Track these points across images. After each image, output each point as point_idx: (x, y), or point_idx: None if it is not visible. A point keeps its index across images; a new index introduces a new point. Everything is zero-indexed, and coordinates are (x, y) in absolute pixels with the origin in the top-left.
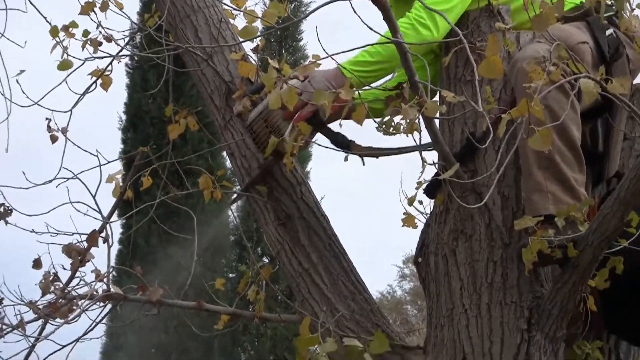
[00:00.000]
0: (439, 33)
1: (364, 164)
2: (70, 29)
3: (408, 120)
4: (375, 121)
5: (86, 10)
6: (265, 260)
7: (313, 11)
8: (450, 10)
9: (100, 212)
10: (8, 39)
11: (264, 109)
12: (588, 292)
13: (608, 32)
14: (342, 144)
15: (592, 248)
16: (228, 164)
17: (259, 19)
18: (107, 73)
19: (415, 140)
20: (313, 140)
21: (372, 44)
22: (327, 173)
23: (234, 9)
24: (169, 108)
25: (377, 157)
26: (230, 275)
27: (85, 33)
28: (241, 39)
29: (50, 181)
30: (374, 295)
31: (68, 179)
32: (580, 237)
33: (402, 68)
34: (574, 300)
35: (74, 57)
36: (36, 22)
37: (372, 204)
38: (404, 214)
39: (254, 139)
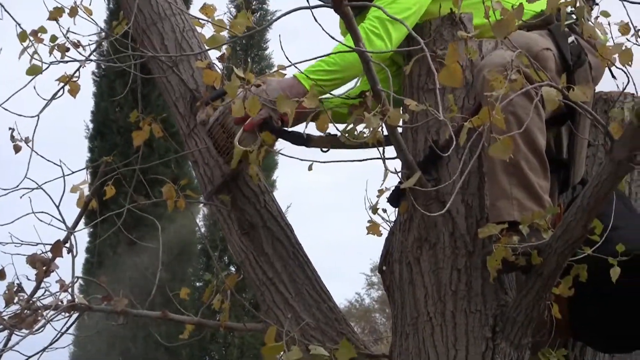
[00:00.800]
0: (392, 43)
1: (325, 151)
2: (39, 34)
3: (371, 129)
4: (337, 129)
5: (55, 15)
6: (232, 269)
7: (276, 19)
8: (405, 20)
9: (64, 222)
10: None
11: (220, 114)
12: (553, 300)
13: (570, 39)
14: (299, 140)
15: (556, 256)
16: (194, 172)
17: (226, 29)
18: (74, 79)
19: (378, 150)
20: (275, 148)
21: (334, 53)
22: (293, 182)
23: (202, 19)
24: (133, 114)
25: (336, 148)
26: (197, 284)
27: (53, 38)
28: (207, 48)
29: (14, 190)
30: (342, 303)
31: (32, 189)
32: (544, 244)
33: (364, 76)
34: (538, 308)
35: (42, 62)
36: (11, 28)
37: (340, 211)
38: (369, 222)
39: (213, 144)
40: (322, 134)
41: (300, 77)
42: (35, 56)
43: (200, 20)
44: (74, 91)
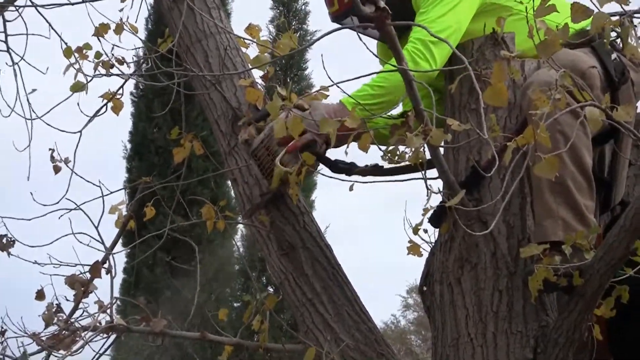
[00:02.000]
0: (437, 64)
1: (351, 190)
2: (84, 51)
3: (413, 149)
4: (380, 149)
5: (100, 32)
6: (270, 289)
7: (319, 39)
8: (447, 39)
9: (103, 243)
10: (29, 64)
11: (265, 136)
12: (594, 321)
13: (612, 56)
14: (343, 169)
15: (598, 276)
16: (232, 192)
17: (271, 49)
18: (118, 96)
19: (420, 170)
20: (316, 169)
21: (377, 72)
22: (332, 202)
23: (247, 39)
24: (174, 131)
25: (379, 175)
26: (235, 304)
27: (98, 55)
28: (251, 67)
29: (53, 211)
30: (378, 325)
31: (70, 209)
32: (587, 265)
33: (407, 97)
34: (580, 329)
35: (86, 75)
36: (56, 43)
37: (377, 232)
38: (409, 242)
39: (258, 165)
40: (365, 166)
41: (346, 101)
42: (80, 73)
43: (245, 40)
44: (117, 108)
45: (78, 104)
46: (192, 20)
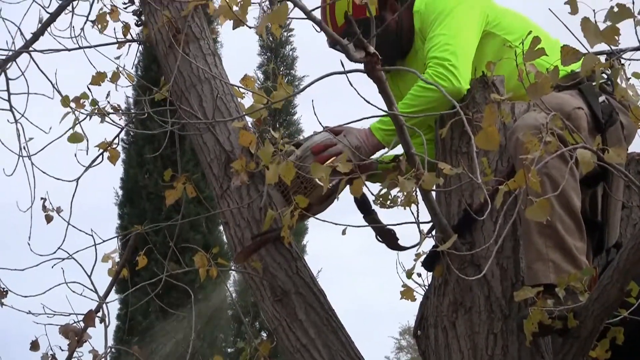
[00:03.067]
0: (463, 84)
1: (344, 234)
2: (81, 100)
3: (405, 193)
4: (372, 194)
5: (97, 80)
6: (264, 334)
7: (310, 84)
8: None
9: (96, 292)
10: (32, 123)
11: (296, 158)
12: None
13: (601, 98)
14: (365, 206)
15: (593, 318)
16: (225, 238)
17: (266, 98)
18: (114, 145)
19: (412, 213)
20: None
21: (368, 117)
22: (324, 244)
23: (243, 88)
24: (167, 172)
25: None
26: (229, 350)
27: (94, 102)
28: (244, 113)
29: (46, 261)
30: None
31: (63, 259)
32: (581, 307)
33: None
34: None
35: (80, 120)
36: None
37: (369, 275)
38: (403, 286)
39: (282, 192)
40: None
41: (373, 128)
42: (77, 122)
43: (240, 90)
44: (113, 158)
45: (75, 155)
46: (187, 66)
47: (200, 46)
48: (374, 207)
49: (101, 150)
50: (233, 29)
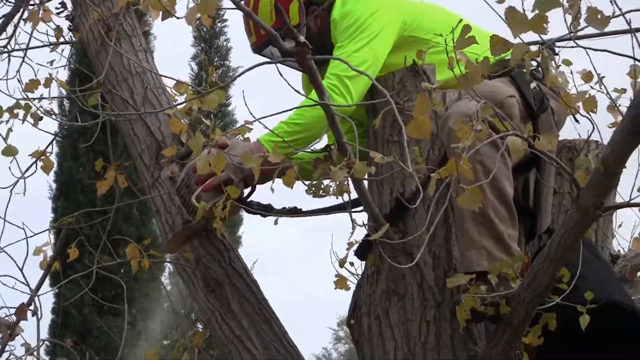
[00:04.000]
0: (353, 98)
1: (276, 224)
2: (14, 110)
3: (337, 182)
4: (304, 183)
5: (31, 87)
6: (200, 326)
7: (240, 74)
8: (361, 76)
9: (28, 285)
10: None
11: (185, 175)
12: (522, 349)
13: (532, 85)
14: (258, 211)
15: (525, 305)
16: (158, 230)
17: (199, 100)
18: (47, 154)
19: (344, 202)
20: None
21: (299, 107)
22: (260, 236)
23: (173, 79)
24: (98, 162)
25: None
26: (165, 342)
27: (27, 107)
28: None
29: None
30: (309, 358)
31: None
32: (513, 294)
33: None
34: (508, 358)
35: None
36: None
37: (306, 266)
38: (336, 276)
39: (182, 203)
40: (282, 208)
41: (263, 140)
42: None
43: (174, 94)
44: (47, 168)
45: (10, 168)
46: (119, 61)
47: (132, 43)
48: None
49: (34, 159)
50: (162, 19)
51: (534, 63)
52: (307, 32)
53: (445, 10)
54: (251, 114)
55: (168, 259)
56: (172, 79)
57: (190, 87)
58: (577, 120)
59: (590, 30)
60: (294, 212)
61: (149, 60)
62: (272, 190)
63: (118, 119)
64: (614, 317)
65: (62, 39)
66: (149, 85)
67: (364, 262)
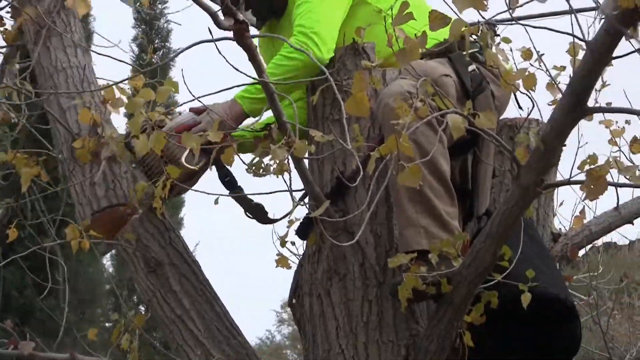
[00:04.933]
0: (324, 53)
1: (216, 203)
2: None
3: (277, 161)
4: (244, 162)
5: None
6: (142, 308)
7: (178, 53)
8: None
9: None
10: None
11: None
12: (465, 328)
13: (470, 67)
14: (231, 183)
15: (467, 283)
16: None
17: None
18: None
19: (285, 181)
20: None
21: (238, 85)
22: (200, 219)
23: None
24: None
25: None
26: (107, 324)
27: None
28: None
29: None
30: (253, 340)
31: None
32: (454, 272)
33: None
34: (450, 337)
35: None
36: None
37: (248, 249)
38: (277, 254)
39: (146, 172)
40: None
41: (237, 97)
42: None
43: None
44: None
45: None
46: (47, 58)
47: (62, 39)
48: (239, 183)
49: None
50: None
51: (475, 45)
52: None
53: None
54: (190, 92)
55: (109, 240)
56: (112, 57)
57: (131, 66)
58: (520, 107)
59: (531, 11)
60: (259, 210)
61: (79, 54)
62: (210, 169)
63: (46, 113)
64: (542, 305)
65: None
66: (73, 79)
67: (305, 242)
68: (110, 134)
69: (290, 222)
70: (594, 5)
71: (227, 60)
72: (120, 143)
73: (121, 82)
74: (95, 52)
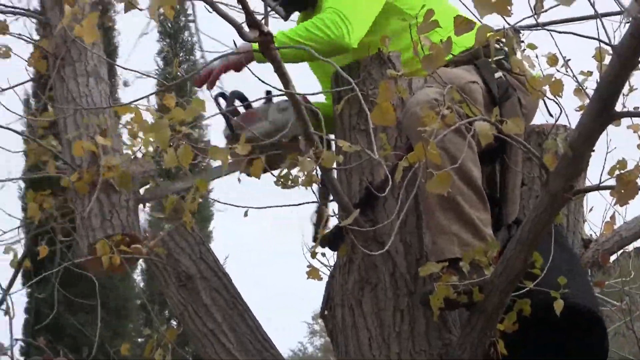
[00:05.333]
0: (352, 40)
1: (245, 216)
2: None
3: (306, 173)
4: (273, 174)
5: None
6: (173, 323)
7: (202, 68)
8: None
9: None
10: None
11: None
12: (498, 336)
13: (497, 74)
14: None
15: (498, 292)
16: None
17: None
18: None
19: (314, 193)
20: (210, 197)
21: (262, 98)
22: (229, 231)
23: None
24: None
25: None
26: (139, 339)
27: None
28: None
29: None
30: (286, 352)
31: None
32: (486, 281)
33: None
34: (483, 345)
35: None
36: None
37: (279, 261)
38: (308, 266)
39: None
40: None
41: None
42: None
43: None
44: None
45: None
46: (60, 86)
47: (75, 68)
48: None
49: None
50: (125, 12)
51: (501, 52)
52: None
53: None
54: (218, 105)
55: (140, 255)
56: (138, 72)
57: (157, 80)
58: (550, 114)
59: (556, 16)
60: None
61: (90, 83)
62: (239, 181)
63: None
64: (572, 314)
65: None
66: (81, 108)
67: (335, 253)
68: (105, 163)
69: (320, 234)
70: (619, 9)
71: (251, 71)
72: (119, 170)
73: (147, 96)
74: (119, 65)
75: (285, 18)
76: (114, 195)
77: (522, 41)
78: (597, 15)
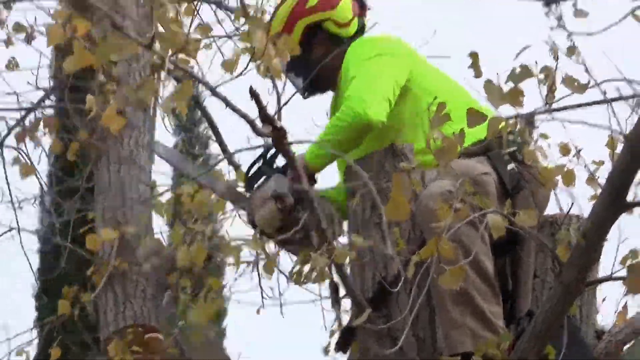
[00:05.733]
0: (372, 113)
1: (258, 313)
2: None
3: (318, 269)
4: (285, 275)
5: None
6: None
7: (218, 163)
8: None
9: None
10: None
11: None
12: None
13: (510, 166)
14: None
15: None
16: None
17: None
18: None
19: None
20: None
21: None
22: (244, 326)
23: None
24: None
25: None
26: None
27: None
28: None
29: None
30: None
31: None
32: None
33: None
34: None
35: None
36: None
37: (293, 354)
38: None
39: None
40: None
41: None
42: None
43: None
44: None
45: None
46: (97, 178)
47: (108, 157)
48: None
49: None
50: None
51: (513, 144)
52: (311, 56)
53: (447, 76)
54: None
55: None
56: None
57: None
58: (560, 209)
59: (567, 101)
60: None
61: (122, 171)
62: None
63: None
64: None
65: None
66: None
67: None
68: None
69: (332, 332)
70: (631, 92)
71: (265, 161)
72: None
73: (163, 193)
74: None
75: (304, 97)
76: (129, 285)
77: (537, 126)
78: (606, 100)
